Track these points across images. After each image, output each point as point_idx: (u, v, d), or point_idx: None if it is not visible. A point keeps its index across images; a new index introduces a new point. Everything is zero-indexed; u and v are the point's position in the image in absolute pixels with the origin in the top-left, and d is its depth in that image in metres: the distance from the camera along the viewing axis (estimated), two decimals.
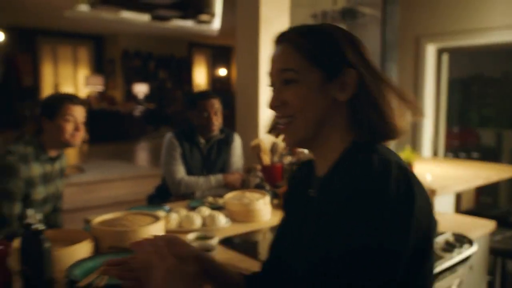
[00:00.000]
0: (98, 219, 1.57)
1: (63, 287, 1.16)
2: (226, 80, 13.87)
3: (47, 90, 11.11)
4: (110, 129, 8.02)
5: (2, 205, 1.78)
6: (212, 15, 9.97)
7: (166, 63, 12.38)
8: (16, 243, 1.22)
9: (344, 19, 4.11)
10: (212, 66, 13.63)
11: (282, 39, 0.91)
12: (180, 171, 2.50)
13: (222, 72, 13.70)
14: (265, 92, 3.38)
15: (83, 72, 11.74)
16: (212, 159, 2.61)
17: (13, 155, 1.84)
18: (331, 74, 0.87)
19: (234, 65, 13.83)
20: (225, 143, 2.65)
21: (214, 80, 13.66)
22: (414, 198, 0.75)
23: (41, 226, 1.12)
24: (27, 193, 1.87)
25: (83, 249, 1.36)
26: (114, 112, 8.39)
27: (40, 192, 1.94)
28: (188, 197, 2.42)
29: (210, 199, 2.18)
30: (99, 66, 11.92)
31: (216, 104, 2.57)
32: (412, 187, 0.76)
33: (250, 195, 2.00)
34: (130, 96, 11.18)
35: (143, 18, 10.07)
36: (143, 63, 11.95)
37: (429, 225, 0.80)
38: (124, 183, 4.46)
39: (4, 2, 8.51)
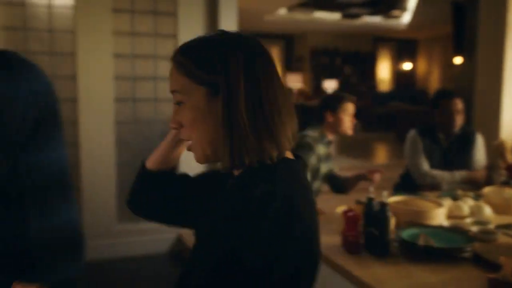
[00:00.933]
0: (393, 199, 1.96)
1: (394, 246, 1.57)
2: (411, 74, 13.55)
3: None
4: (308, 123, 8.69)
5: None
6: (404, 9, 9.92)
7: (351, 59, 12.70)
8: (358, 209, 1.67)
9: None
10: (396, 60, 13.47)
11: (172, 59, 0.85)
12: (425, 164, 2.78)
13: (407, 66, 13.43)
14: (508, 95, 3.36)
15: None
16: (451, 155, 2.81)
17: (308, 137, 2.39)
18: (214, 90, 0.79)
19: (419, 58, 13.43)
20: (466, 141, 2.80)
21: (398, 74, 13.49)
22: (293, 232, 0.73)
23: (385, 198, 1.54)
24: (318, 167, 2.40)
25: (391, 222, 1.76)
26: (312, 107, 9.05)
27: (324, 168, 2.45)
28: (435, 189, 2.68)
29: (460, 192, 2.40)
30: (288, 64, 12.84)
31: (459, 104, 2.76)
32: (293, 220, 0.73)
33: (509, 191, 2.18)
34: (319, 91, 11.81)
35: (334, 16, 10.55)
36: (330, 60, 12.47)
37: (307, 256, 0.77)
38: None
39: None
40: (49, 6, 3.52)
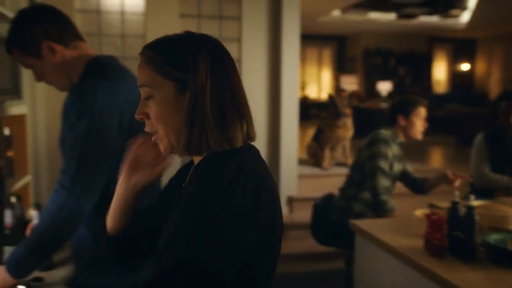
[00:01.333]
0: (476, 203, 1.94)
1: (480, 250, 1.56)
2: (469, 75, 13.06)
3: None
4: (364, 125, 8.60)
5: (379, 178, 2.31)
6: (464, 8, 9.59)
7: (406, 60, 12.40)
8: (442, 212, 1.67)
9: None
10: (453, 61, 13.03)
11: (140, 54, 0.89)
12: (485, 167, 2.78)
13: (465, 67, 12.96)
14: None
15: (325, 72, 12.72)
16: None
17: (383, 134, 2.43)
18: (182, 86, 0.85)
19: (478, 59, 12.92)
20: None
21: (455, 75, 13.03)
22: (259, 210, 0.78)
23: (472, 203, 1.53)
24: (391, 165, 2.40)
25: None
26: (366, 109, 8.93)
27: (396, 167, 2.44)
28: (510, 194, 2.62)
29: None
30: (340, 65, 12.73)
31: None
32: (259, 198, 0.78)
33: None
34: (372, 93, 11.63)
35: (389, 17, 10.36)
36: (383, 60, 12.25)
37: (272, 233, 0.82)
38: None
39: None
40: (122, 13, 3.71)
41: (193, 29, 3.54)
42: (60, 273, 1.49)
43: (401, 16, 10.18)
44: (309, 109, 11.79)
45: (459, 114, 9.54)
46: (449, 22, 10.71)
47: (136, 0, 3.71)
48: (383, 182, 2.33)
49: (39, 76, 1.44)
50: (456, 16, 10.24)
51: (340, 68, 12.67)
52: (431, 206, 2.35)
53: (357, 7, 9.40)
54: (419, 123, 2.44)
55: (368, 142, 2.47)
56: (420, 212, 1.90)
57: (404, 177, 2.59)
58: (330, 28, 11.41)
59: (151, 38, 3.57)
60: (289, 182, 4.04)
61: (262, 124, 4.00)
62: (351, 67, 12.54)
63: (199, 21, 3.86)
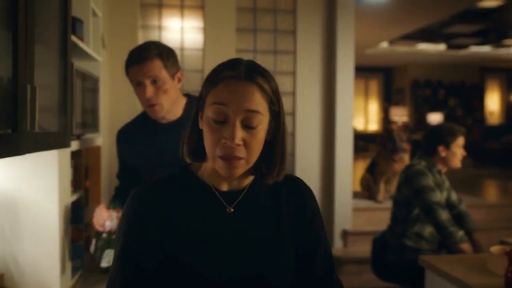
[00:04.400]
0: None
1: None
2: None
3: None
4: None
5: (440, 213, 2.25)
6: None
7: (456, 90, 12.13)
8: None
9: None
10: (507, 91, 12.61)
11: (250, 78, 0.90)
12: None
13: None
14: None
15: (373, 103, 12.62)
16: None
17: (417, 165, 2.40)
18: (274, 118, 0.94)
19: None
20: None
21: (508, 106, 12.58)
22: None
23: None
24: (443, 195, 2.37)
25: None
26: (417, 141, 8.76)
27: (439, 197, 2.36)
28: None
29: None
30: (387, 97, 12.60)
31: None
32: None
33: None
34: (421, 124, 11.38)
35: (438, 47, 10.23)
36: (433, 91, 12.03)
37: None
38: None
39: None
40: (182, 49, 3.87)
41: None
42: None
43: (451, 46, 10.04)
44: (356, 141, 11.69)
45: None
46: (502, 52, 10.44)
47: (195, 36, 3.88)
48: (444, 215, 2.27)
49: (159, 93, 1.58)
50: (509, 45, 9.98)
51: (387, 99, 12.54)
52: (502, 242, 2.26)
53: (405, 38, 9.36)
54: (459, 152, 2.42)
55: (405, 178, 2.42)
56: (496, 249, 1.82)
57: (448, 207, 2.53)
58: (377, 60, 11.39)
59: (208, 72, 3.69)
60: (343, 216, 3.98)
61: (316, 156, 4.00)
62: (399, 99, 12.39)
63: (254, 55, 3.96)
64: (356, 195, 4.53)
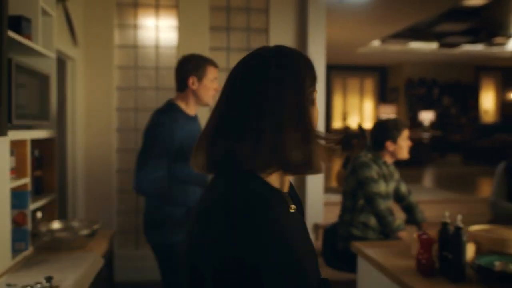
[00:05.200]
0: (475, 228, 1.93)
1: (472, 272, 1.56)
2: None
3: (337, 118, 12.48)
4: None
5: (379, 203, 2.34)
6: (509, 36, 9.37)
7: (451, 89, 12.16)
8: (434, 233, 1.69)
9: None
10: (502, 90, 12.61)
11: None
12: (497, 195, 2.75)
13: None
14: None
15: (368, 101, 12.68)
16: None
17: (363, 157, 2.53)
18: None
19: None
20: None
21: (503, 104, 12.59)
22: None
23: (461, 224, 1.55)
24: (383, 185, 2.47)
25: (470, 248, 1.74)
26: None
27: (380, 188, 2.45)
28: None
29: None
30: (382, 95, 12.65)
31: None
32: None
33: None
34: (414, 123, 11.43)
35: (430, 46, 10.28)
36: (427, 90, 12.06)
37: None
38: (430, 206, 4.77)
39: None
40: (156, 47, 3.98)
41: (222, 61, 3.75)
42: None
43: (443, 45, 10.08)
44: (350, 139, 11.74)
45: (507, 144, 9.20)
46: (495, 50, 10.47)
47: (170, 34, 3.98)
48: (383, 204, 2.36)
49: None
50: (502, 44, 10.00)
51: (382, 98, 12.59)
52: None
53: (396, 37, 9.42)
54: (405, 145, 2.52)
55: (351, 169, 2.52)
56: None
57: (397, 198, 2.62)
58: (371, 59, 11.45)
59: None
60: (315, 210, 4.07)
61: None
62: (393, 97, 12.44)
63: (228, 53, 4.06)
64: (328, 190, 4.62)
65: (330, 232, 2.66)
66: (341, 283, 3.57)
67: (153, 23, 3.98)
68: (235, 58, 4.06)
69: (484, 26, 8.79)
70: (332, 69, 12.37)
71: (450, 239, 1.53)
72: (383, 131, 2.53)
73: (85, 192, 3.85)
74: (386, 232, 2.36)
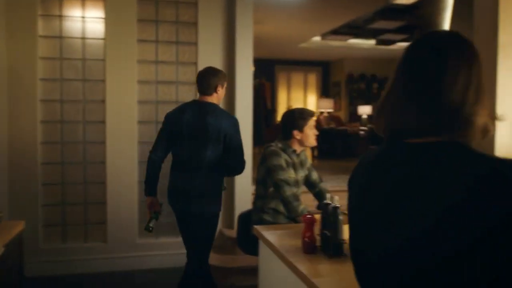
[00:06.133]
0: None
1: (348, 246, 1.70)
2: None
3: (281, 112, 12.71)
4: (338, 146, 8.82)
5: (285, 189, 2.46)
6: None
7: None
8: (317, 215, 1.83)
9: None
10: None
11: None
12: None
13: None
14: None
15: (311, 96, 12.99)
16: None
17: (273, 147, 2.64)
18: None
19: None
20: None
21: None
22: None
23: (337, 203, 1.69)
24: (291, 173, 2.60)
25: None
26: (342, 131, 9.14)
27: (297, 174, 2.59)
28: None
29: None
30: (325, 90, 13.01)
31: None
32: None
33: None
34: (354, 117, 11.84)
35: (369, 43, 10.67)
36: (367, 85, 12.52)
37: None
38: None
39: (254, 40, 10.21)
40: (83, 38, 3.93)
41: (151, 53, 3.75)
42: None
43: (379, 42, 10.49)
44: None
45: None
46: None
47: (96, 26, 3.95)
48: (289, 191, 2.49)
49: None
50: None
51: (325, 92, 12.94)
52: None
53: (336, 33, 9.71)
54: (312, 133, 2.65)
55: (262, 158, 2.64)
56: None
57: (309, 185, 2.77)
58: (314, 54, 11.72)
59: (110, 62, 3.80)
60: (243, 200, 4.18)
61: None
62: (335, 92, 12.81)
63: (156, 46, 4.08)
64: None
65: (244, 219, 2.78)
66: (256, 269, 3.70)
67: (79, 14, 3.93)
68: (164, 51, 4.10)
69: (416, 24, 9.23)
70: (276, 63, 12.57)
71: (329, 218, 1.68)
72: (290, 121, 2.65)
73: (8, 185, 3.77)
74: (292, 217, 2.50)
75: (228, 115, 2.76)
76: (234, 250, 3.81)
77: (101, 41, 3.96)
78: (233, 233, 3.96)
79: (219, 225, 4.22)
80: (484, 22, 3.69)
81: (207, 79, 2.72)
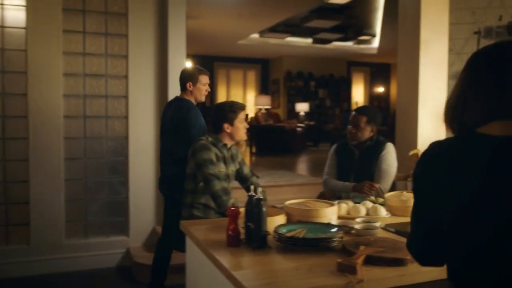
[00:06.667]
0: (289, 202, 2.10)
1: (272, 238, 1.69)
2: (384, 97, 13.91)
3: None
4: (275, 143, 8.91)
5: (215, 183, 2.42)
6: (372, 35, 10.25)
7: (326, 83, 13.00)
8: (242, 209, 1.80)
9: (510, 33, 4.09)
10: (370, 84, 13.82)
11: None
12: (328, 174, 3.06)
13: (380, 89, 13.80)
14: (423, 107, 3.64)
15: (251, 93, 13.04)
16: (361, 165, 2.98)
17: (203, 141, 2.56)
18: None
19: (392, 82, 13.79)
20: (376, 152, 2.97)
21: (372, 97, 13.82)
22: None
23: (262, 195, 1.67)
24: (221, 167, 2.56)
25: (281, 219, 1.90)
26: (280, 128, 9.24)
27: (217, 169, 2.53)
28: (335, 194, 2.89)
29: (372, 198, 2.55)
30: (264, 87, 13.11)
31: (356, 119, 2.96)
32: None
33: (408, 194, 2.33)
34: (292, 114, 12.03)
35: (306, 41, 10.88)
36: (305, 83, 12.76)
37: None
38: (290, 188, 5.07)
39: (191, 36, 10.07)
40: (2, 26, 3.67)
41: (78, 44, 3.55)
42: None
43: (316, 41, 10.72)
44: None
45: None
46: (363, 47, 11.40)
47: (16, 13, 3.70)
48: (218, 185, 2.45)
49: None
50: (368, 42, 10.92)
51: (265, 89, 13.05)
52: (273, 206, 2.49)
53: (274, 31, 9.80)
54: (242, 126, 2.62)
55: (191, 152, 2.58)
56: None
57: (240, 180, 2.76)
58: (253, 51, 11.78)
59: (32, 52, 3.57)
60: None
61: (150, 139, 4.06)
62: (274, 89, 12.95)
63: (84, 37, 3.89)
64: None
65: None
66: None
67: None
68: (92, 42, 3.91)
69: (350, 24, 9.52)
70: (215, 60, 12.50)
71: (253, 210, 1.66)
72: (220, 114, 2.61)
73: None
74: (221, 211, 2.46)
75: (187, 109, 2.98)
76: None
77: (22, 30, 3.71)
78: None
79: (152, 223, 4.12)
80: (408, 21, 3.86)
81: (179, 77, 3.11)
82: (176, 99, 3.12)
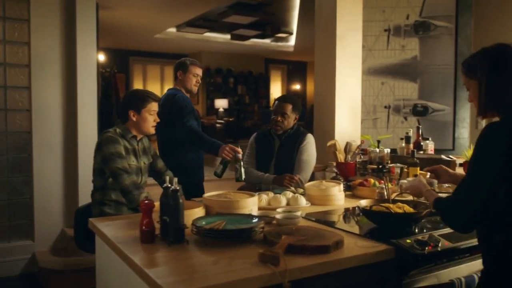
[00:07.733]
0: (208, 194, 2.01)
1: (190, 232, 1.59)
2: (301, 94, 14.28)
3: None
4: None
5: (124, 178, 2.24)
6: (289, 33, 10.45)
7: (245, 79, 13.05)
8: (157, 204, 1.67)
9: (417, 32, 4.33)
10: (287, 81, 14.11)
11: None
12: (248, 164, 3.02)
13: (297, 86, 14.14)
14: (340, 100, 3.74)
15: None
16: (281, 154, 2.98)
17: (110, 133, 2.36)
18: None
19: (309, 79, 14.21)
20: (296, 142, 2.98)
21: (289, 93, 14.13)
22: None
23: (177, 186, 1.56)
24: (131, 160, 2.39)
25: (200, 212, 1.80)
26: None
27: (126, 163, 2.35)
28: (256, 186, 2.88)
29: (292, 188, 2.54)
30: None
31: (281, 108, 2.96)
32: None
33: (326, 183, 2.35)
34: (212, 110, 11.92)
35: (224, 37, 10.82)
36: (223, 79, 12.70)
37: None
38: (208, 184, 4.99)
39: (104, 28, 9.58)
40: None
41: None
42: None
43: (234, 37, 10.69)
44: None
45: None
46: (280, 45, 11.59)
47: None
48: (128, 179, 2.29)
49: None
50: (285, 40, 11.12)
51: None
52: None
53: (192, 25, 9.61)
54: (151, 119, 2.43)
55: (97, 145, 2.38)
56: None
57: (154, 174, 2.62)
58: (170, 46, 11.48)
59: None
60: (88, 192, 3.82)
61: (59, 133, 3.75)
62: None
63: None
64: None
65: (82, 214, 2.48)
66: None
67: None
68: None
69: (268, 21, 9.61)
70: (131, 54, 12.02)
71: (169, 202, 1.54)
72: (129, 100, 2.44)
73: None
74: (133, 207, 2.30)
75: (172, 97, 3.01)
76: (79, 251, 3.46)
77: None
78: None
79: (61, 225, 3.80)
80: (324, 16, 3.95)
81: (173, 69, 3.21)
82: (170, 89, 3.18)
